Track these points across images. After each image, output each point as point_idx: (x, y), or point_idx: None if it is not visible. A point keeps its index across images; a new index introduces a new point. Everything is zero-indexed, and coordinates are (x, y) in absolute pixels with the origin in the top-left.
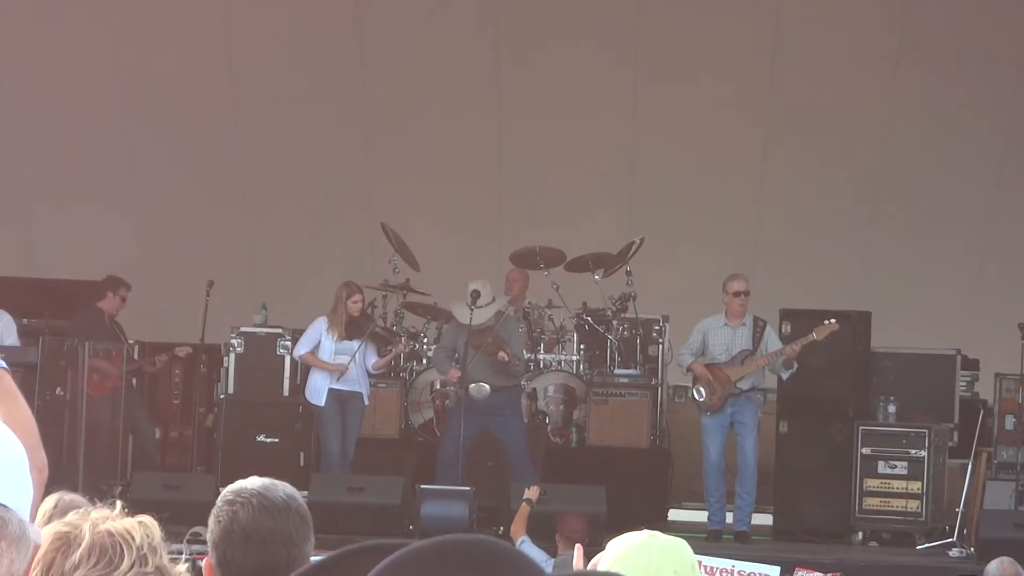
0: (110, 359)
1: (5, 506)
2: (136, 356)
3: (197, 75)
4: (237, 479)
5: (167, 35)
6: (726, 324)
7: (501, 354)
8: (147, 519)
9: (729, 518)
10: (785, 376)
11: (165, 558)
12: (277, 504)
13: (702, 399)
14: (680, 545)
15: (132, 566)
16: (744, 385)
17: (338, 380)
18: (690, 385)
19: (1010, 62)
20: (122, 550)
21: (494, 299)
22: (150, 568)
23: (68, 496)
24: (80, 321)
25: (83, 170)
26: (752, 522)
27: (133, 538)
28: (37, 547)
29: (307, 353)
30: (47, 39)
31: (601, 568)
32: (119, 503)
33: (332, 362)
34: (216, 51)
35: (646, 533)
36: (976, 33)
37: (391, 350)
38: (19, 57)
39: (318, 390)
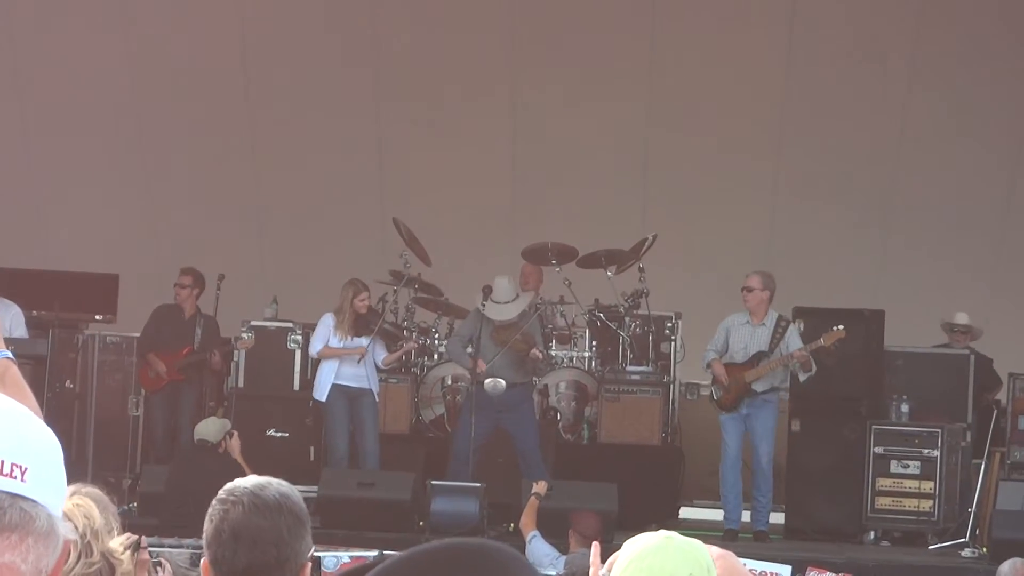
0: (169, 356)
1: (33, 501)
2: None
3: (209, 69)
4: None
5: (180, 27)
6: (747, 322)
7: (534, 352)
8: (83, 500)
9: (746, 517)
10: (802, 379)
11: (107, 538)
12: (268, 503)
13: (716, 398)
14: (697, 547)
15: (79, 558)
16: (759, 387)
17: (359, 363)
18: (701, 383)
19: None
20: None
21: (518, 296)
22: (96, 558)
23: (86, 488)
24: (150, 320)
25: (94, 163)
26: (773, 521)
27: (75, 527)
28: (68, 542)
29: (323, 347)
30: (63, 35)
31: (616, 569)
32: None
33: (340, 361)
34: (228, 46)
35: (663, 534)
36: (991, 34)
37: (401, 345)
38: (35, 51)
39: (322, 386)
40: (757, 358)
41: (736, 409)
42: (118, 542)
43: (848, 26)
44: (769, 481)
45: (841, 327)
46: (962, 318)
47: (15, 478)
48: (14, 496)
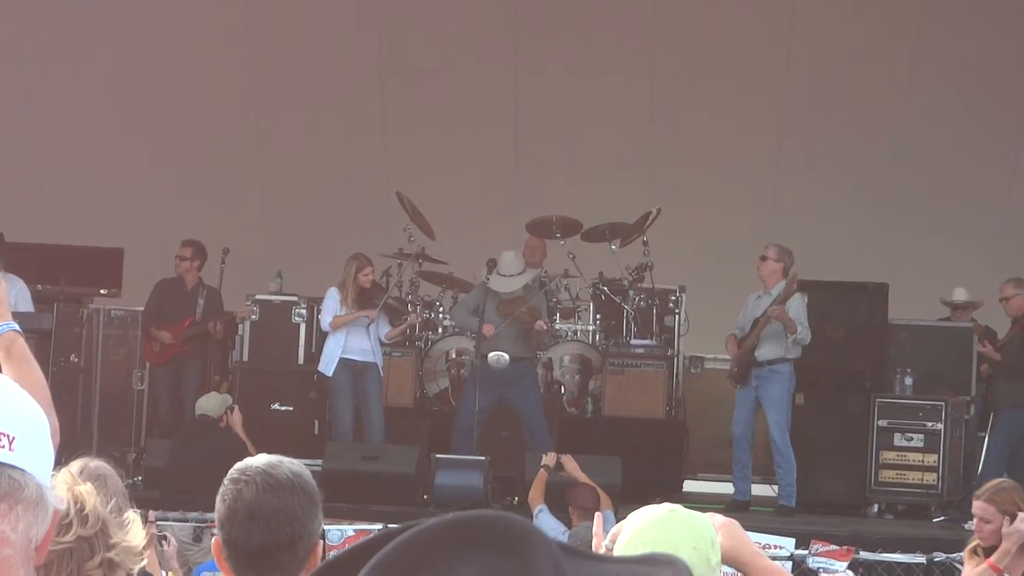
0: (173, 328)
1: (22, 470)
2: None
3: (213, 43)
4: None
5: (183, 2)
6: (759, 296)
7: (539, 323)
8: (87, 487)
9: (759, 490)
10: (789, 340)
11: (109, 523)
12: (282, 482)
13: (731, 374)
14: (701, 520)
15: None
16: (760, 356)
17: (369, 325)
18: (705, 356)
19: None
20: None
21: (525, 270)
22: (69, 537)
23: (94, 462)
24: (152, 295)
25: (99, 136)
26: (768, 494)
27: (63, 499)
28: (57, 512)
29: (333, 318)
30: (64, 6)
31: (620, 541)
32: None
33: (346, 335)
34: (232, 21)
35: (666, 507)
36: (996, 10)
37: (404, 319)
38: (36, 24)
39: (328, 360)
40: (753, 325)
41: (747, 381)
42: (137, 536)
43: (851, 2)
44: (784, 453)
45: (795, 276)
46: (960, 295)
47: (3, 447)
48: (2, 465)
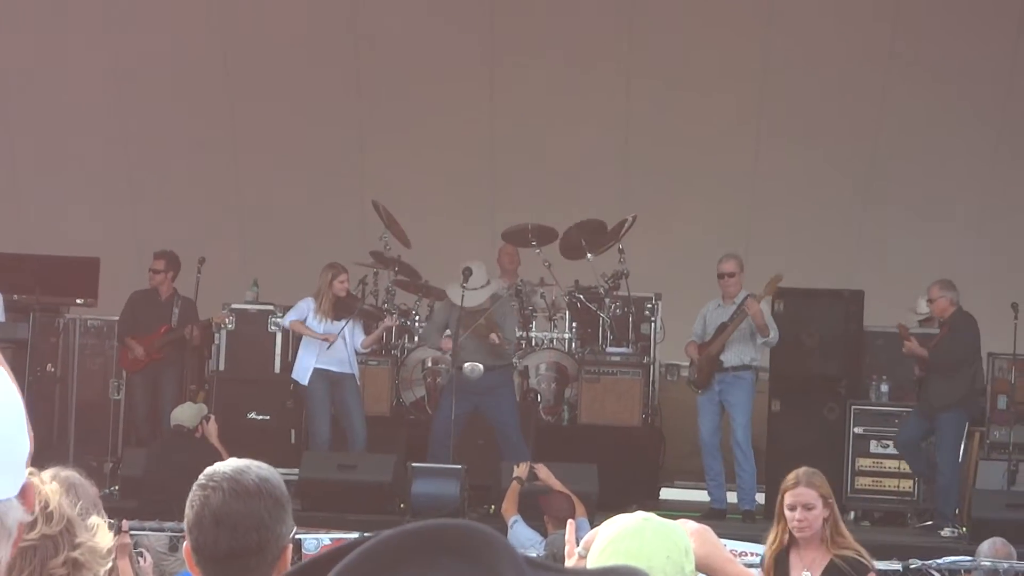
0: (147, 337)
1: None
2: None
3: (190, 50)
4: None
5: (160, 10)
6: (720, 305)
7: (492, 336)
8: (52, 486)
9: (734, 497)
10: (759, 342)
11: (75, 523)
12: (248, 488)
13: (692, 380)
14: (674, 529)
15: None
16: (726, 360)
17: (327, 349)
18: (681, 363)
19: (1005, 39)
20: None
21: (489, 281)
22: (33, 535)
23: (64, 472)
24: (126, 306)
25: (75, 145)
26: None
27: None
28: (22, 526)
29: (295, 320)
30: (42, 15)
31: (594, 549)
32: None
33: (320, 345)
34: (209, 26)
35: (639, 516)
36: (971, 11)
37: (379, 326)
38: (13, 33)
39: (303, 369)
40: (720, 329)
41: (709, 386)
42: (104, 538)
43: (829, 3)
44: (748, 456)
45: (780, 274)
46: (922, 306)
47: None
48: None
